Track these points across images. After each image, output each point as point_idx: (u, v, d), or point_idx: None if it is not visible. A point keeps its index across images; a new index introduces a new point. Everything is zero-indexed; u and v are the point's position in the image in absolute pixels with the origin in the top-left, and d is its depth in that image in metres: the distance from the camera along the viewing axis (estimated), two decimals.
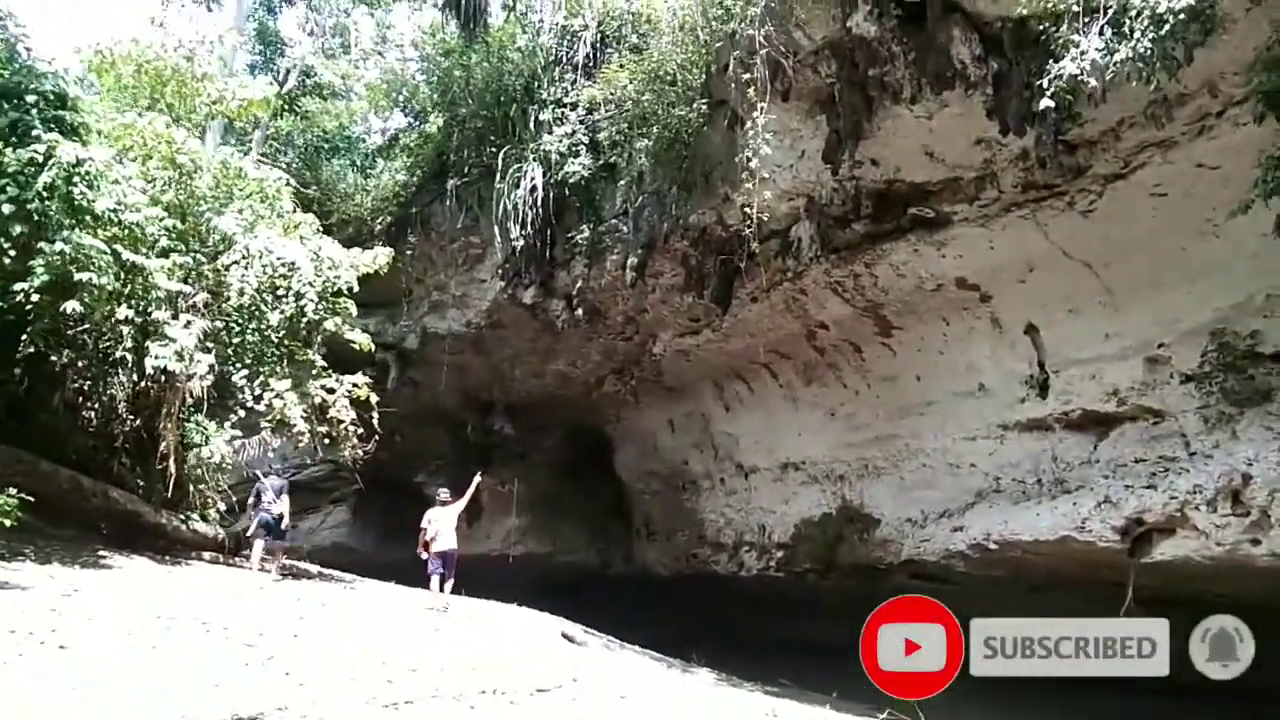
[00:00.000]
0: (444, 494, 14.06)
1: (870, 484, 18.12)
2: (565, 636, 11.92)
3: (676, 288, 18.31)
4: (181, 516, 12.32)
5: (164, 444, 11.02)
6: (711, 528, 22.73)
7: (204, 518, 12.77)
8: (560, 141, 17.96)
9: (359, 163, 23.63)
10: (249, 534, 13.82)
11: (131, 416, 11.20)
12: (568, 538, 27.57)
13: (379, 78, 25.36)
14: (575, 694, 7.69)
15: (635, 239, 17.59)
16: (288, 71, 23.27)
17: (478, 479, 14.40)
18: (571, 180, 17.94)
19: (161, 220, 10.82)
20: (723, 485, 22.46)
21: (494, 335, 22.40)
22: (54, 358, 10.28)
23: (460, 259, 21.51)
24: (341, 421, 13.00)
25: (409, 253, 21.63)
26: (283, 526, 13.91)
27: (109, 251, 9.95)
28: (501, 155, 18.76)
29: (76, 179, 9.82)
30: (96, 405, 11.32)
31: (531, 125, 18.98)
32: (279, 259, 11.39)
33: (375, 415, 13.87)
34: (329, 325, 12.49)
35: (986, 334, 15.16)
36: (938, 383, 16.34)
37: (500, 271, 20.20)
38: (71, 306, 9.92)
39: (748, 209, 14.68)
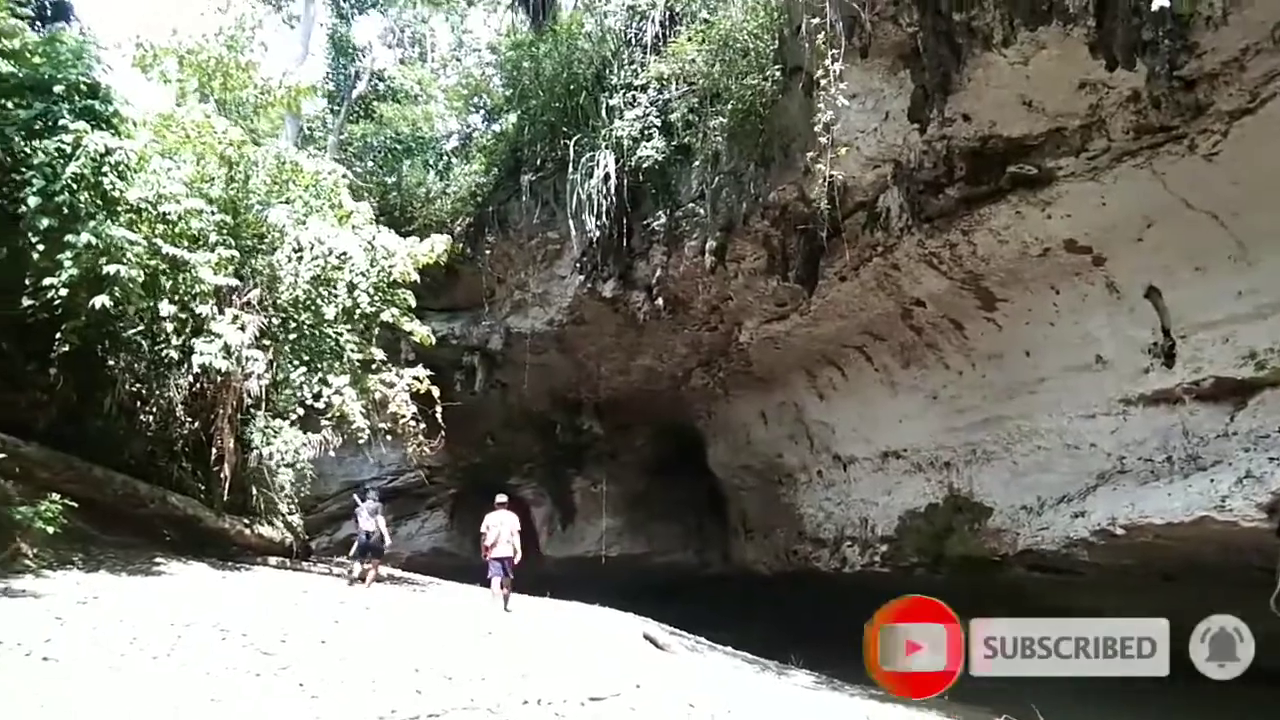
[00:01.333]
0: (501, 498, 14.79)
1: (979, 470, 16.87)
2: (647, 638, 11.24)
3: (759, 271, 17.48)
4: (245, 521, 12.04)
5: (219, 446, 10.75)
6: (810, 523, 21.73)
7: (270, 522, 12.46)
8: (631, 126, 17.38)
9: (434, 163, 23.50)
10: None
11: (189, 419, 11.01)
12: (663, 538, 26.98)
13: (457, 82, 25.26)
14: (635, 703, 7.00)
15: (713, 222, 16.86)
16: (357, 74, 23.33)
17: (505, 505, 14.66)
18: (645, 165, 17.34)
19: (205, 213, 10.58)
20: (820, 478, 21.44)
21: (577, 332, 21.97)
22: (110, 361, 10.07)
23: (539, 255, 21.16)
24: (402, 416, 12.61)
25: (487, 252, 21.47)
26: (376, 543, 13.96)
27: (142, 243, 9.65)
28: (573, 145, 18.27)
29: (106, 169, 9.52)
30: (153, 408, 11.12)
31: (603, 113, 18.46)
32: (330, 250, 11.04)
33: (439, 410, 13.41)
34: (385, 317, 12.07)
35: (1102, 300, 13.81)
36: (1050, 358, 15.02)
37: (578, 265, 19.74)
38: (101, 301, 9.48)
39: (832, 175, 13.78)
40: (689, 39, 16.59)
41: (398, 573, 17.79)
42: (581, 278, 19.93)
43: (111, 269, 9.61)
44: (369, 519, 13.71)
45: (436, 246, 13.01)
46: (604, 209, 17.98)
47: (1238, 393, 12.18)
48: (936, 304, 16.10)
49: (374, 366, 12.63)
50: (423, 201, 23.56)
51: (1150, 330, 13.27)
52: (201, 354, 10.11)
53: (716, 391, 22.85)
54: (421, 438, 13.62)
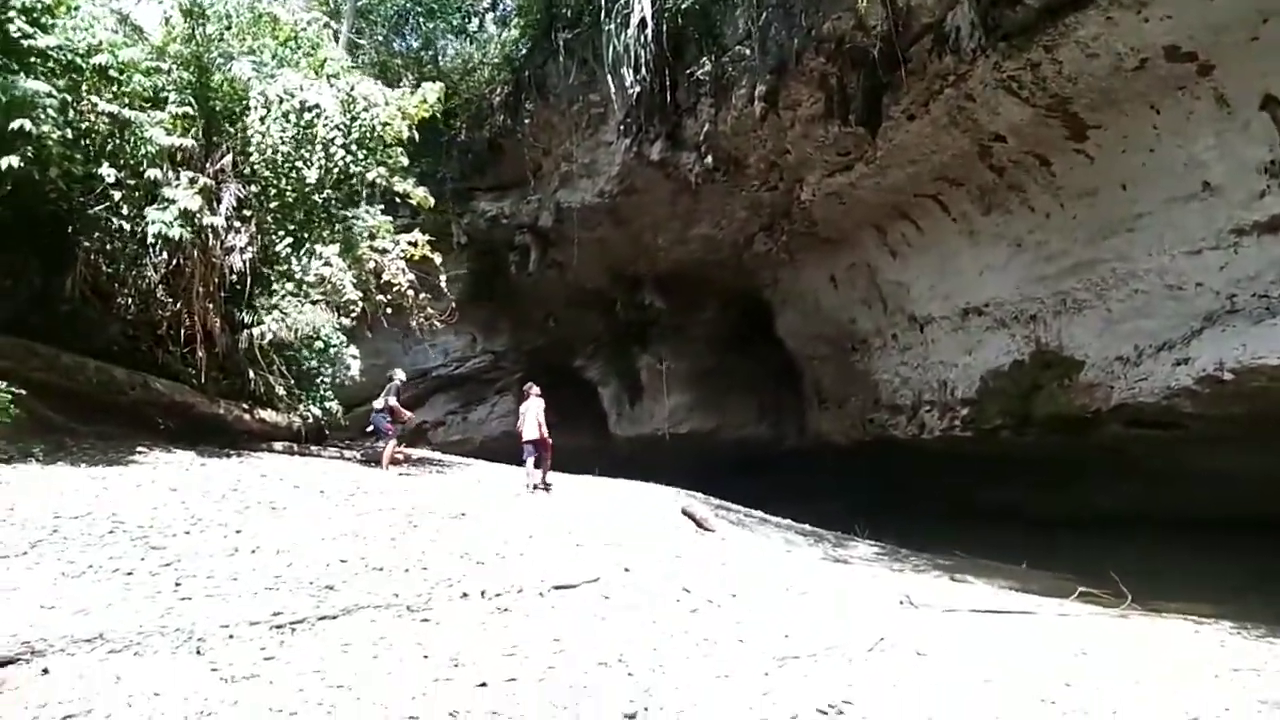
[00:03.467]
0: (534, 388, 14.46)
1: (1069, 321, 15.34)
2: (687, 514, 10.43)
3: (817, 117, 15.89)
4: (244, 405, 11.39)
5: (201, 326, 10.01)
6: (886, 389, 20.53)
7: (273, 405, 11.80)
8: None
9: (464, 27, 22.00)
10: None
11: (171, 299, 10.29)
12: (735, 412, 26.13)
13: None
14: (611, 590, 6.14)
15: (763, 64, 15.29)
16: None
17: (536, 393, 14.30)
18: (685, 6, 15.68)
19: (154, 67, 9.57)
20: (895, 341, 20.10)
21: (629, 202, 20.76)
22: (83, 240, 9.28)
23: (582, 122, 19.84)
24: (396, 285, 11.62)
25: (528, 121, 20.21)
26: (381, 424, 13.31)
27: (57, 96, 8.65)
28: None
29: (13, 13, 8.48)
30: (131, 290, 10.44)
31: None
32: (303, 104, 9.98)
33: (444, 277, 12.51)
34: (372, 176, 10.97)
35: (1210, 117, 11.96)
36: (1149, 189, 13.26)
37: (622, 128, 18.37)
38: (8, 162, 8.39)
39: None
40: None
41: (435, 455, 17.24)
42: (627, 141, 18.57)
43: (18, 124, 8.47)
44: (380, 399, 13.16)
45: (428, 96, 11.68)
46: (644, 61, 16.49)
47: None
48: (1019, 138, 14.35)
49: (368, 233, 11.59)
50: (461, 73, 22.29)
51: (1268, 148, 11.51)
52: (153, 222, 9.26)
53: (781, 257, 21.47)
54: (425, 307, 12.70)
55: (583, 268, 23.56)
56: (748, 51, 15.53)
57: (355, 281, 11.01)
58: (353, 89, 10.56)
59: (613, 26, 16.67)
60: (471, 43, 22.39)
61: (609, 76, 17.25)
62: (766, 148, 17.35)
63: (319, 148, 10.26)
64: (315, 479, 10.02)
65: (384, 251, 11.59)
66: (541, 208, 21.97)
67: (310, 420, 12.48)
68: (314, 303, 11.00)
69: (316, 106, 10.05)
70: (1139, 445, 14.92)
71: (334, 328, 12.66)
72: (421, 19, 21.65)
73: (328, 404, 13.01)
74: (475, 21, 22.51)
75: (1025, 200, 15.33)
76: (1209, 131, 12.09)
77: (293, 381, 11.40)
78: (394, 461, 12.77)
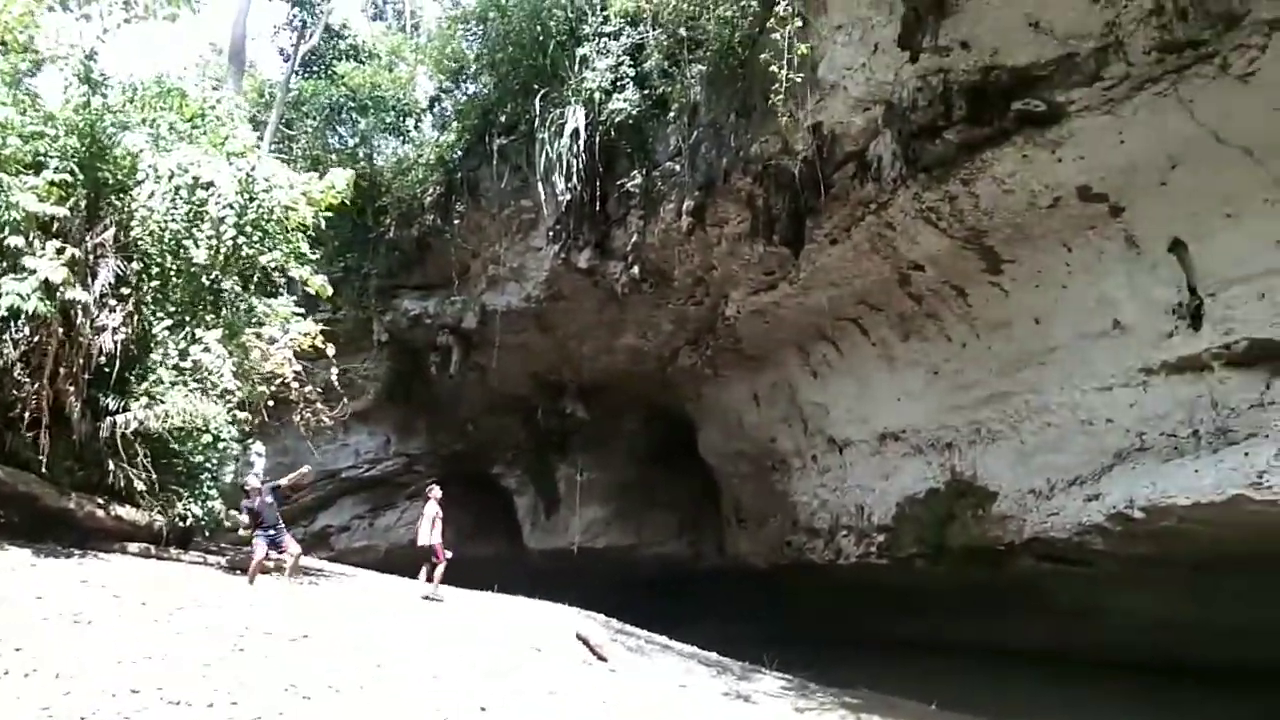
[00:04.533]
0: (433, 490, 14.22)
1: (984, 451, 15.33)
2: (581, 639, 9.76)
3: (743, 235, 16.04)
4: (99, 500, 10.40)
5: (51, 409, 9.18)
6: (805, 511, 20.22)
7: (133, 501, 10.79)
8: (602, 77, 15.92)
9: (398, 126, 22.01)
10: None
11: (29, 379, 9.48)
12: (654, 528, 25.52)
13: (429, 43, 23.80)
14: None
15: (692, 180, 15.41)
16: (304, 25, 21.77)
17: (435, 497, 14.01)
18: (618, 120, 15.92)
19: (34, 131, 9.07)
20: (815, 463, 19.92)
21: (556, 309, 20.57)
22: None
23: (512, 226, 19.77)
24: (280, 378, 10.84)
25: (457, 223, 20.07)
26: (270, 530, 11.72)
27: None
28: (538, 101, 16.82)
29: None
30: None
31: (575, 66, 17.01)
32: (196, 180, 9.52)
33: (334, 371, 11.89)
34: (266, 260, 10.39)
35: (1120, 257, 12.29)
36: (1061, 324, 13.50)
37: (551, 234, 18.31)
38: None
39: (817, 121, 12.36)
40: None
41: (320, 565, 16.12)
42: (555, 248, 18.49)
43: None
44: (250, 482, 11.81)
45: (337, 182, 11.23)
46: (575, 170, 16.56)
47: (1276, 356, 10.65)
48: (937, 267, 14.60)
49: (256, 320, 10.88)
50: (395, 172, 22.23)
51: (1175, 289, 11.79)
52: (7, 293, 8.56)
53: (705, 372, 21.38)
54: (318, 405, 12.02)
55: (505, 372, 23.13)
56: (677, 168, 15.71)
57: (235, 370, 10.27)
58: (253, 168, 10.14)
59: (546, 135, 16.76)
60: (406, 142, 22.39)
61: (540, 183, 17.26)
62: (693, 262, 17.41)
63: (207, 226, 9.74)
64: (146, 588, 8.82)
65: (271, 340, 10.84)
66: (466, 309, 21.64)
67: (189, 520, 11.46)
68: (201, 391, 10.20)
69: (211, 184, 9.59)
70: (1052, 581, 14.77)
71: (226, 420, 11.84)
72: (355, 114, 21.64)
73: (211, 503, 12.03)
74: (411, 121, 22.56)
75: (942, 329, 15.51)
76: (1119, 271, 12.41)
77: (154, 476, 10.36)
78: (263, 570, 11.52)
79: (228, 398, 10.48)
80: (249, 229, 9.90)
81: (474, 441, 25.82)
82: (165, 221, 9.65)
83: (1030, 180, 12.21)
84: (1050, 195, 12.24)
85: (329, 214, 20.82)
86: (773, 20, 12.22)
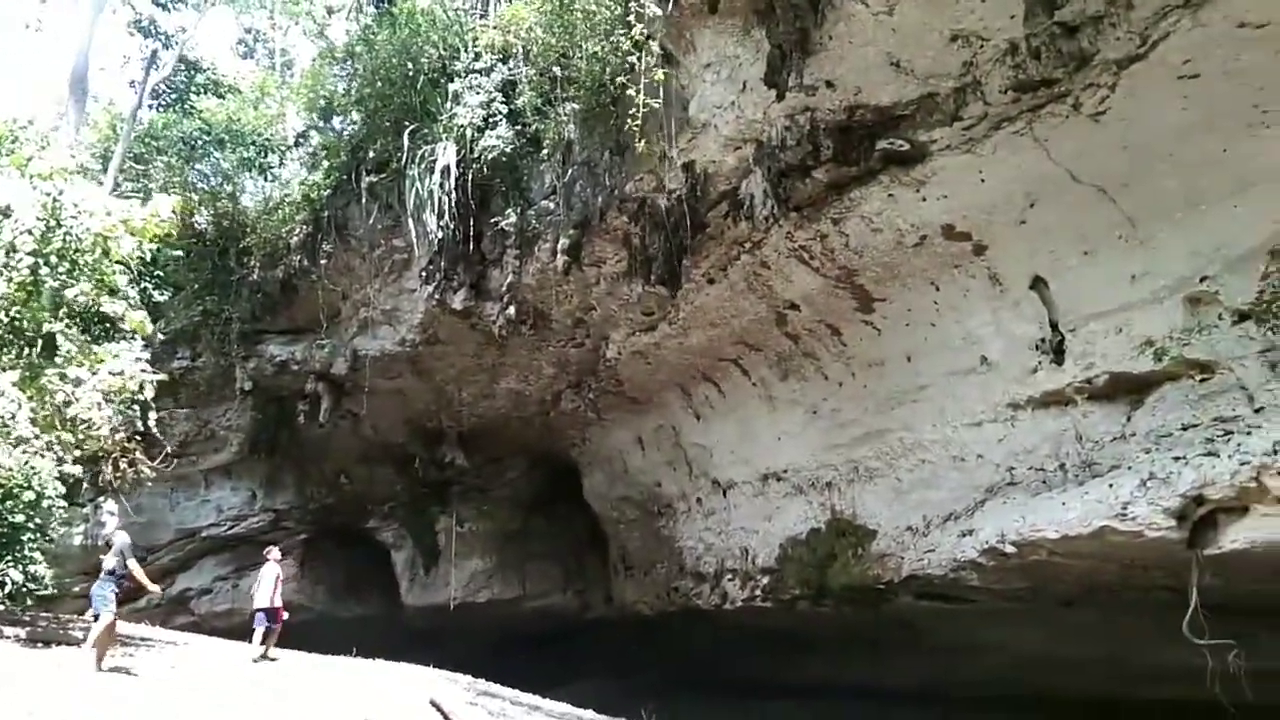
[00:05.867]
0: (273, 552, 14.14)
1: (862, 489, 15.33)
2: (434, 706, 9.04)
3: (621, 275, 15.80)
4: None
5: None
6: (690, 556, 19.90)
7: None
8: (473, 113, 15.50)
9: (252, 157, 21.00)
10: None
11: None
12: (539, 579, 24.77)
13: (299, 81, 22.99)
14: None
15: (568, 219, 15.09)
16: (154, 55, 20.68)
17: (274, 559, 13.83)
18: (491, 157, 15.48)
19: None
20: (700, 505, 19.66)
21: (432, 352, 19.80)
22: None
23: (385, 267, 18.97)
24: (87, 423, 9.74)
25: (324, 263, 19.19)
26: (105, 595, 10.14)
27: None
28: (408, 137, 16.26)
29: None
30: None
31: (447, 103, 16.54)
32: None
33: (152, 416, 10.93)
34: (73, 294, 9.41)
35: (984, 294, 12.50)
36: (931, 362, 13.64)
37: (424, 274, 17.65)
38: None
39: (690, 160, 12.23)
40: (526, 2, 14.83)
41: (149, 632, 14.70)
42: (429, 288, 17.82)
43: None
44: (110, 560, 10.29)
45: (162, 210, 10.20)
46: (447, 208, 16.02)
47: (1135, 390, 10.92)
48: (811, 307, 14.62)
49: (62, 358, 9.78)
50: (260, 211, 21.20)
51: (1037, 325, 12.04)
52: None
53: (589, 416, 20.95)
54: (126, 452, 10.97)
55: (379, 420, 22.16)
56: (553, 206, 15.38)
57: (34, 417, 9.18)
58: (60, 192, 9.20)
59: (417, 171, 16.20)
60: (272, 181, 21.42)
61: (412, 222, 16.65)
62: (572, 303, 17.04)
63: (0, 253, 8.74)
64: None
65: (78, 382, 9.69)
66: (336, 354, 20.62)
67: (8, 585, 10.21)
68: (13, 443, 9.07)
69: (7, 208, 8.65)
70: (929, 618, 14.79)
71: (52, 476, 10.68)
72: (212, 148, 20.58)
73: (32, 568, 10.78)
74: (276, 158, 21.60)
75: (819, 368, 15.52)
76: (984, 308, 12.60)
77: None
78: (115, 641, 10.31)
79: (24, 447, 9.37)
80: (53, 258, 8.93)
81: (347, 494, 24.56)
82: None
83: (897, 219, 12.33)
84: (917, 234, 12.38)
85: (180, 253, 19.81)
86: (637, 57, 12.13)
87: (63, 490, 11.23)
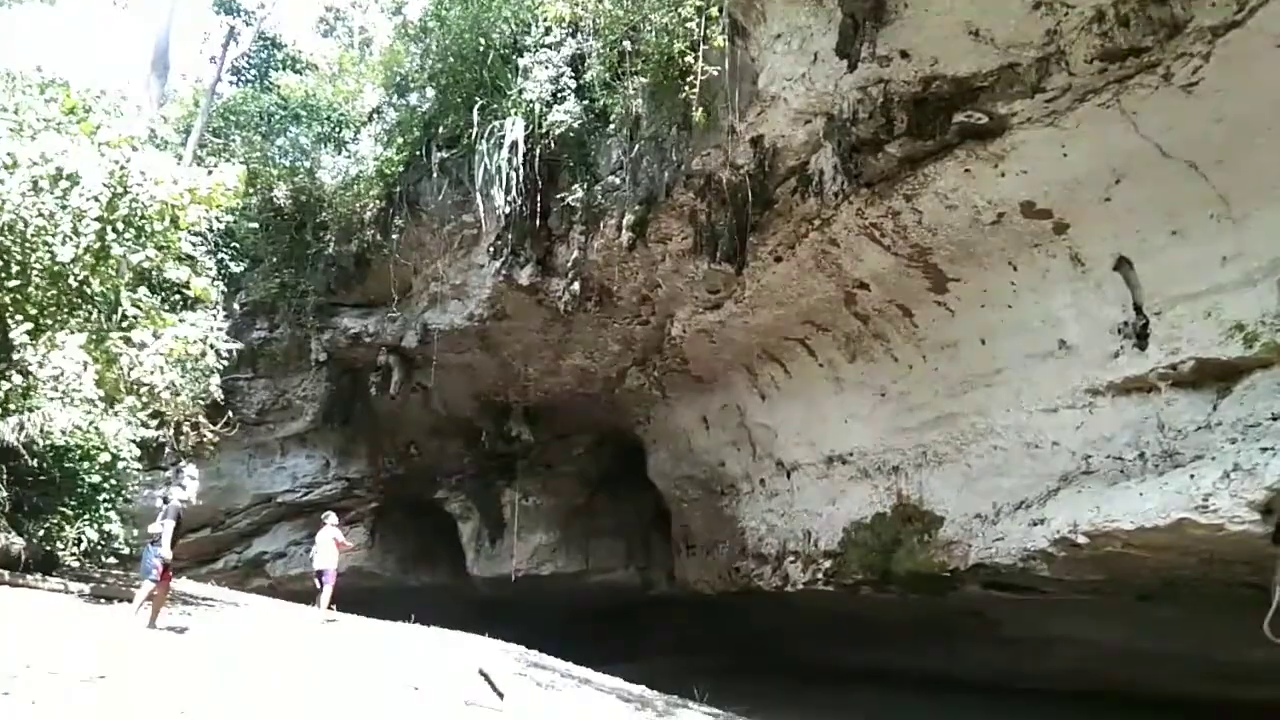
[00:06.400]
0: (330, 517, 15.00)
1: (930, 475, 14.95)
2: (483, 675, 9.07)
3: (687, 252, 15.62)
4: None
5: None
6: (753, 537, 19.72)
7: None
8: (541, 88, 15.46)
9: (330, 133, 21.36)
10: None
11: None
12: (602, 555, 24.90)
13: (378, 59, 23.26)
14: None
15: (634, 195, 14.97)
16: (233, 31, 21.06)
17: (332, 523, 14.76)
18: (559, 132, 15.45)
19: None
20: (763, 487, 19.46)
21: (500, 328, 19.97)
22: None
23: (454, 242, 19.17)
24: (149, 386, 9.87)
25: (396, 237, 19.45)
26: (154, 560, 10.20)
27: None
28: (477, 112, 16.30)
29: None
30: None
31: (518, 77, 16.55)
32: (60, 170, 8.77)
33: (215, 381, 11.07)
34: (136, 259, 9.54)
35: (1065, 275, 11.98)
36: (1007, 345, 13.17)
37: (492, 249, 17.75)
38: None
39: (759, 134, 11.98)
40: None
41: (209, 593, 14.85)
42: (497, 264, 17.94)
43: None
44: (158, 524, 10.45)
45: (227, 179, 10.26)
46: (515, 183, 16.05)
47: (1223, 376, 10.35)
48: (882, 286, 14.25)
49: (125, 323, 9.93)
50: (337, 186, 21.59)
51: (1120, 308, 11.48)
52: None
53: (654, 394, 20.89)
54: (199, 419, 11.16)
55: (448, 393, 22.49)
56: (619, 181, 15.27)
57: (98, 379, 9.41)
58: (128, 160, 9.37)
59: (486, 147, 16.25)
60: (348, 156, 21.79)
61: (480, 197, 16.74)
62: (638, 280, 16.97)
63: (69, 219, 8.95)
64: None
65: (141, 346, 9.89)
66: (407, 328, 20.97)
67: (82, 543, 10.60)
68: (62, 401, 9.33)
69: (74, 174, 8.85)
70: (999, 608, 14.38)
71: (128, 439, 11.02)
72: (287, 123, 20.96)
73: (108, 527, 11.16)
74: (350, 134, 21.93)
75: (889, 350, 15.15)
76: (1065, 290, 12.09)
77: (3, 495, 9.47)
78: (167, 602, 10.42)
79: (89, 407, 9.63)
80: (119, 225, 9.13)
81: (416, 465, 25.05)
82: (24, 215, 8.83)
83: (973, 195, 11.90)
84: (994, 211, 11.94)
85: (256, 226, 20.27)
86: (706, 29, 11.92)
87: (137, 453, 11.58)
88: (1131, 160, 10.31)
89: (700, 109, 12.04)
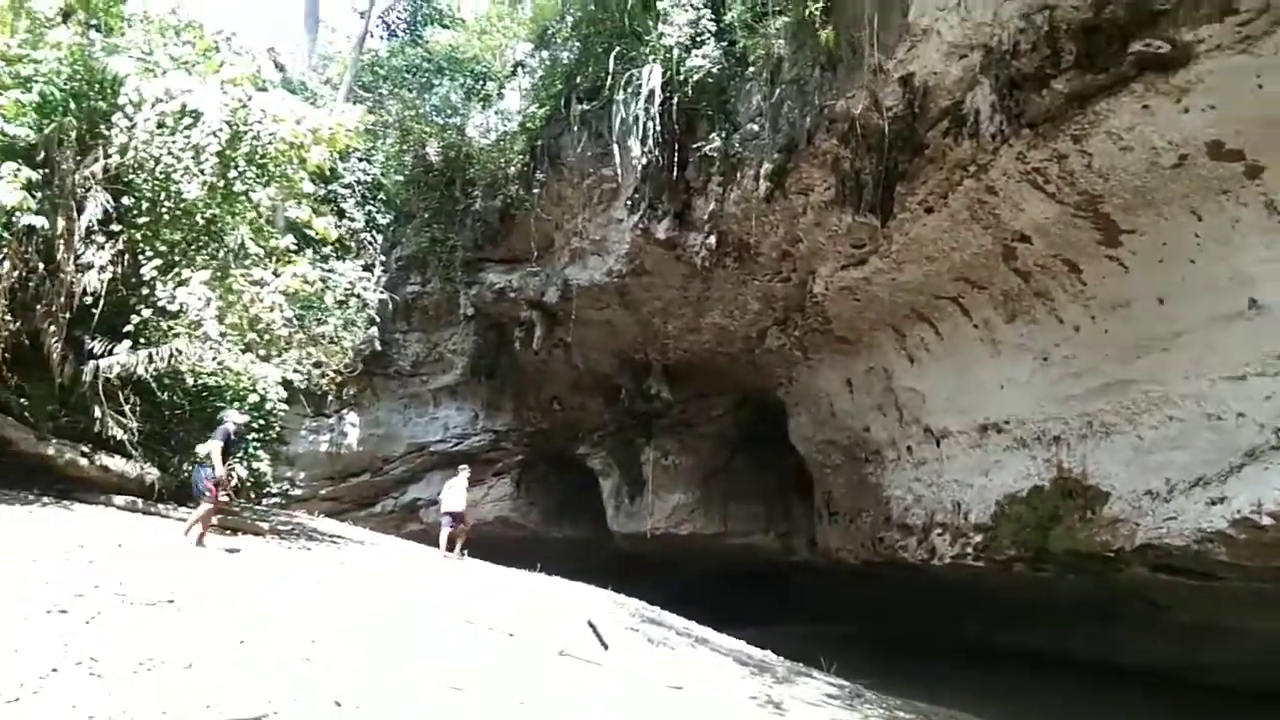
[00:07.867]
0: (465, 469, 16.96)
1: (1096, 446, 13.66)
2: (591, 626, 8.84)
3: (829, 204, 14.81)
4: (83, 449, 9.97)
5: (45, 351, 8.78)
6: (898, 506, 18.79)
7: (122, 451, 10.26)
8: (679, 32, 14.91)
9: (474, 87, 21.53)
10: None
11: (9, 318, 9.10)
12: (741, 518, 24.48)
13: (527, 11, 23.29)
14: None
15: (773, 142, 14.27)
16: None
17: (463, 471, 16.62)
18: (697, 78, 14.90)
19: (16, 54, 8.65)
20: (910, 454, 18.46)
21: (639, 284, 19.73)
22: None
23: (594, 196, 19.01)
24: (264, 323, 10.02)
25: (537, 192, 19.47)
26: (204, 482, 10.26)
27: None
28: (613, 59, 15.93)
29: None
30: None
31: (657, 23, 16.06)
32: (184, 107, 8.94)
33: (374, 331, 11.07)
34: (258, 197, 9.70)
35: (1258, 225, 10.53)
36: (1189, 305, 11.76)
37: (630, 203, 17.45)
38: None
39: (909, 71, 11.07)
40: None
41: (343, 530, 15.08)
42: (635, 218, 17.63)
43: None
44: (206, 447, 10.34)
45: (347, 119, 10.28)
46: (652, 133, 15.65)
47: None
48: (1045, 239, 13.02)
49: (249, 260, 10.14)
50: (484, 143, 21.85)
51: None
52: None
53: (795, 355, 20.15)
54: (319, 357, 11.34)
55: (589, 350, 22.54)
56: (758, 129, 14.60)
57: (220, 315, 9.66)
58: (249, 98, 9.49)
59: (623, 97, 15.90)
60: (496, 112, 22.00)
61: (617, 148, 16.44)
62: (778, 234, 16.26)
63: (189, 156, 9.17)
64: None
65: (260, 283, 10.13)
66: (549, 283, 21.06)
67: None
68: (189, 336, 9.63)
69: (196, 110, 9.04)
70: (1168, 594, 13.09)
71: (277, 381, 11.45)
72: (431, 76, 21.23)
73: (256, 465, 11.69)
74: (495, 87, 22.08)
75: (1053, 310, 13.89)
76: (1257, 243, 10.65)
77: (138, 426, 9.90)
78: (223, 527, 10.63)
79: (213, 345, 9.87)
80: (240, 162, 9.30)
81: (559, 420, 25.37)
82: (152, 152, 9.12)
83: (1152, 135, 10.58)
84: (1175, 153, 10.58)
85: (401, 179, 20.71)
86: None
87: (284, 395, 12.07)
88: None
89: (852, 49, 11.18)
